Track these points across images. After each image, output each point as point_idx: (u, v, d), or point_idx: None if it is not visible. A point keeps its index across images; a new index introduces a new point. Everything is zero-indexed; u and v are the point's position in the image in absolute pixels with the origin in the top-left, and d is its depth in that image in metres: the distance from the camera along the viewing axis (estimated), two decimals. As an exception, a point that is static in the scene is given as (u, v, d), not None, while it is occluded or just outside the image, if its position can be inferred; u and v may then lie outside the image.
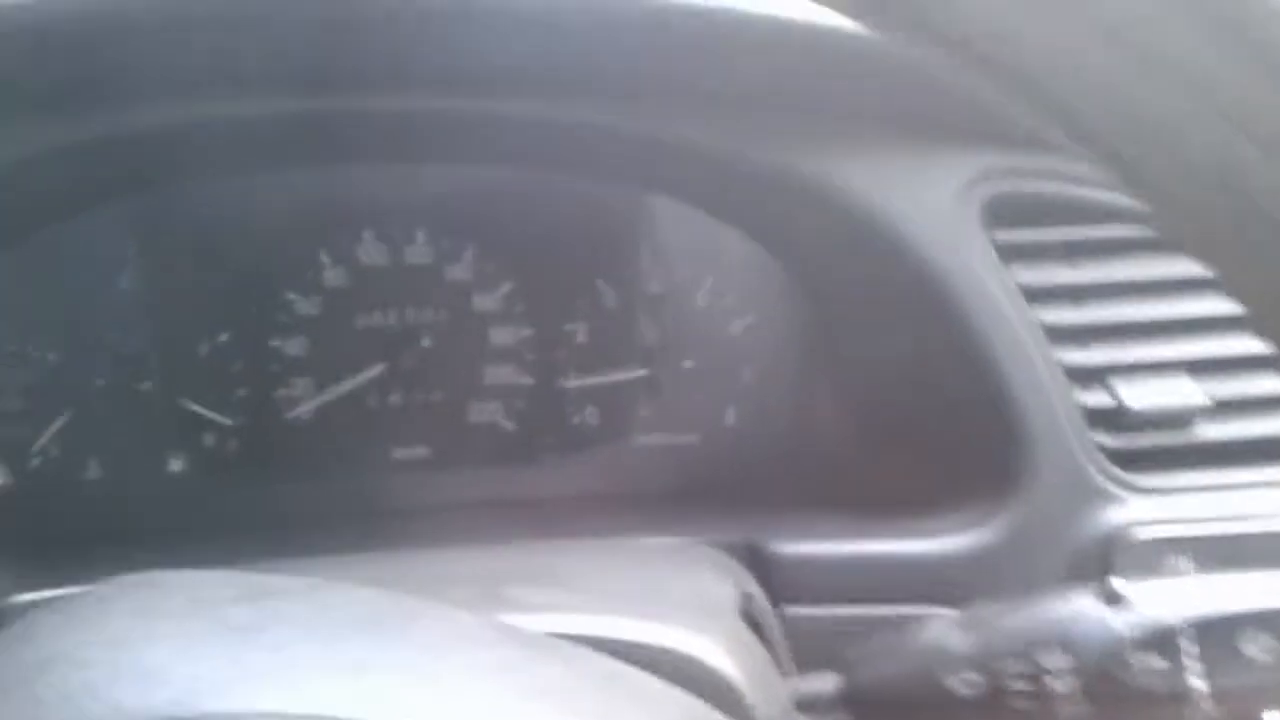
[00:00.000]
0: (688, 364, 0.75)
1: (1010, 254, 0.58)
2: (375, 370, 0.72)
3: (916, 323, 0.59)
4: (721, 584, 0.49)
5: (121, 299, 0.70)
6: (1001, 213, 0.58)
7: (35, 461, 0.70)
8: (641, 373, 0.75)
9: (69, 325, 0.69)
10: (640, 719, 0.32)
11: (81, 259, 0.69)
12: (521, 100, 0.62)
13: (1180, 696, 0.39)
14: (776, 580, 0.54)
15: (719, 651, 0.41)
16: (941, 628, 0.43)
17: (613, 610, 0.42)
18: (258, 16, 0.56)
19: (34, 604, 0.51)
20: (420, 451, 0.74)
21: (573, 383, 0.74)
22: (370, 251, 0.72)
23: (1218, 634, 0.39)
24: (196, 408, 0.71)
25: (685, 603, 0.45)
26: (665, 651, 0.41)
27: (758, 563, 0.57)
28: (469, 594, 0.46)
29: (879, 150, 0.57)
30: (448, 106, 0.64)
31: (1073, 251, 0.60)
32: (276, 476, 0.72)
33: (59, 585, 0.52)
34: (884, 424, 0.65)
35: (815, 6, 0.50)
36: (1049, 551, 0.54)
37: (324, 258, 0.72)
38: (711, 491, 0.71)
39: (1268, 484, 0.59)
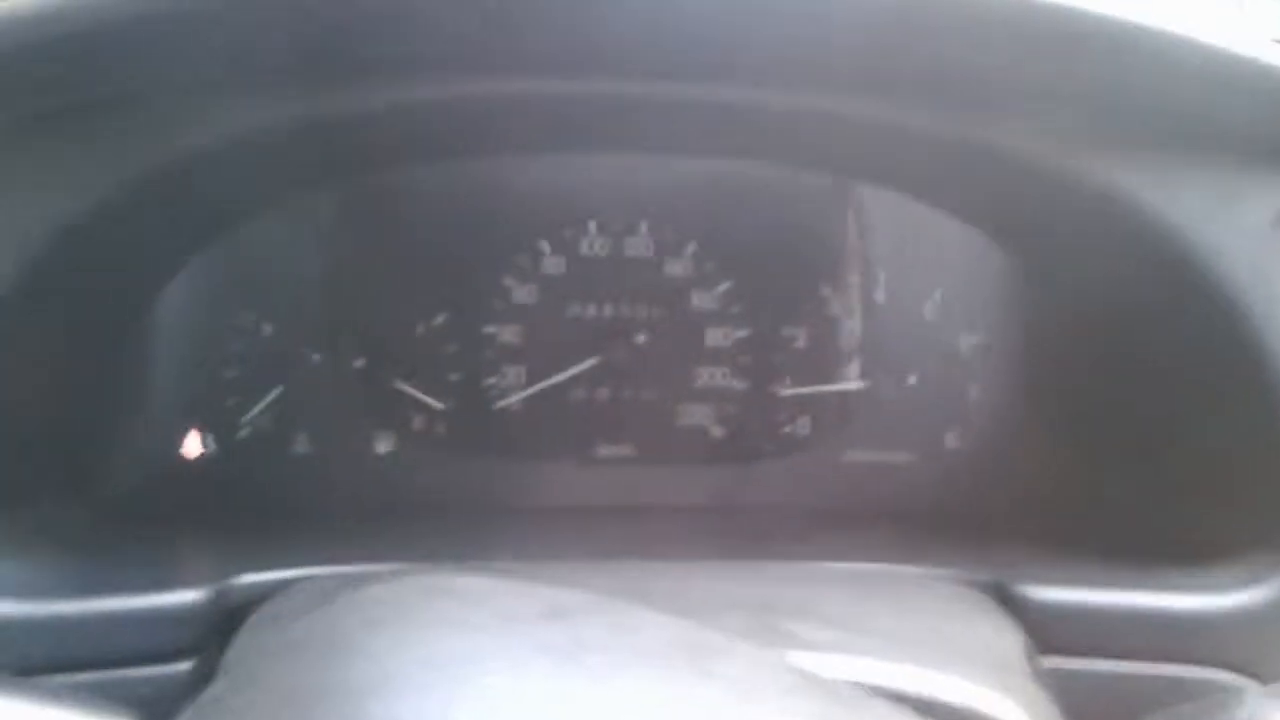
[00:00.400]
0: (909, 378, 0.71)
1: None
2: (588, 363, 0.70)
3: (1204, 352, 0.54)
4: (1003, 633, 0.46)
5: (341, 277, 0.69)
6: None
7: (244, 432, 0.69)
8: (860, 384, 0.71)
9: (288, 300, 0.69)
10: None
11: (305, 236, 0.69)
12: (766, 90, 0.59)
13: None
14: (1028, 626, 0.50)
15: (1021, 714, 0.38)
16: (1256, 704, 0.38)
17: (904, 658, 0.39)
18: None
19: (266, 585, 0.50)
20: (625, 450, 0.72)
21: (787, 390, 0.71)
22: (591, 242, 0.70)
23: None
24: (408, 389, 0.70)
25: (975, 655, 0.42)
26: (972, 713, 0.37)
27: (1007, 605, 0.53)
28: (743, 623, 0.43)
29: (1180, 164, 0.53)
30: (680, 94, 0.61)
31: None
32: (481, 463, 0.70)
33: (268, 563, 0.51)
34: (1138, 462, 0.60)
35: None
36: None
37: (544, 246, 0.70)
38: (931, 517, 0.67)
39: None
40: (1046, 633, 0.49)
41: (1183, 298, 0.55)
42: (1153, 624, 0.52)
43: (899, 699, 0.37)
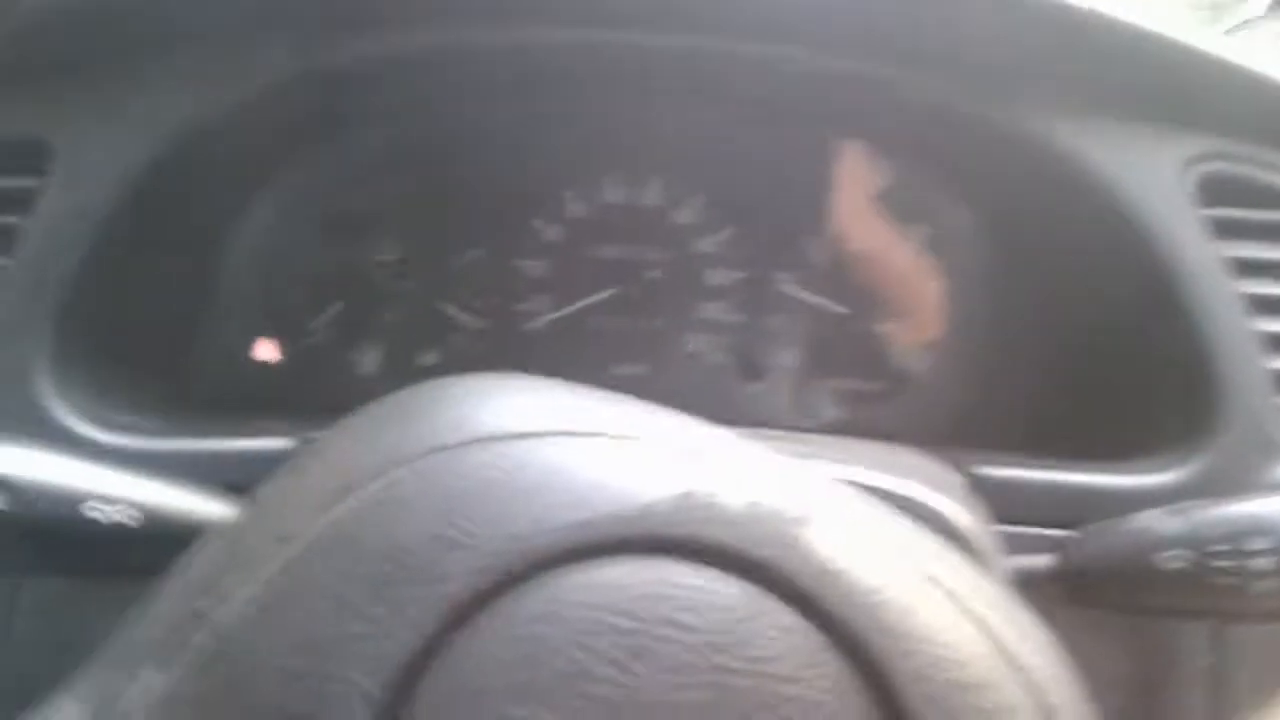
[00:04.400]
0: (884, 317, 0.82)
1: (1219, 230, 0.64)
2: (605, 294, 0.81)
3: (1127, 283, 0.65)
4: (946, 470, 0.56)
5: (389, 210, 0.81)
6: (1213, 191, 0.64)
7: (309, 341, 0.81)
8: (842, 320, 0.82)
9: (346, 230, 0.80)
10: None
11: (361, 175, 0.80)
12: (767, 45, 0.70)
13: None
14: (985, 500, 0.59)
15: (959, 511, 0.48)
16: (1153, 514, 0.49)
17: (860, 463, 0.50)
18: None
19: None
20: (638, 369, 0.82)
21: (778, 323, 0.82)
22: (610, 190, 0.81)
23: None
24: (450, 309, 0.81)
25: (919, 470, 0.52)
26: (910, 500, 0.48)
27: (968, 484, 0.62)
28: None
29: (1107, 121, 0.64)
30: (694, 47, 0.72)
31: (1276, 232, 0.65)
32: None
33: None
34: (1080, 379, 0.71)
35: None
36: (1236, 493, 0.59)
37: (569, 193, 0.81)
38: (906, 434, 0.78)
39: None
40: (995, 506, 0.58)
41: (1109, 236, 0.66)
42: (1082, 496, 0.62)
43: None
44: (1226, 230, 0.65)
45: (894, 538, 0.34)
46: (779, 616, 0.30)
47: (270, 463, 0.58)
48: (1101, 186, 0.65)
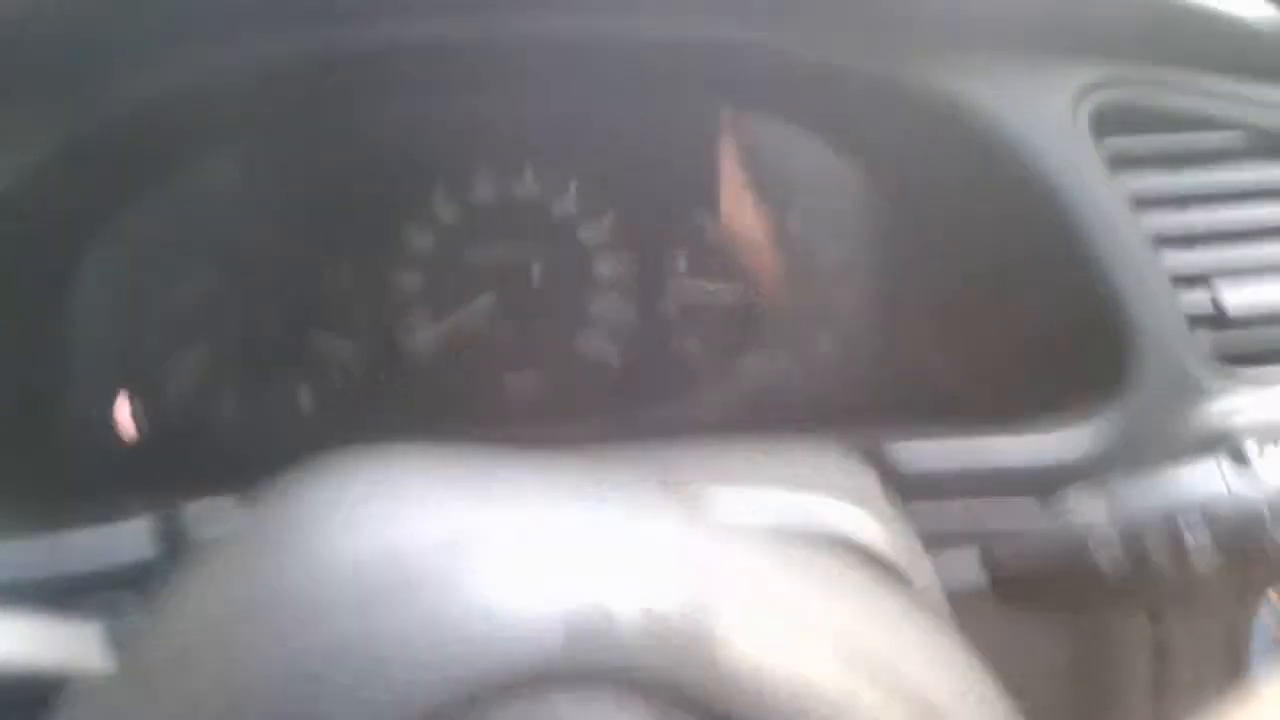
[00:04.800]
0: (782, 290, 0.77)
1: (1117, 163, 0.60)
2: (486, 299, 0.76)
3: (1025, 230, 0.61)
4: (859, 471, 0.52)
5: (249, 235, 0.74)
6: (1108, 122, 0.60)
7: (172, 396, 0.74)
8: (737, 297, 0.77)
9: (202, 262, 0.73)
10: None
11: (209, 201, 0.73)
12: (629, 19, 0.64)
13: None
14: (896, 481, 0.56)
15: (879, 534, 0.44)
16: (1079, 500, 0.45)
17: (767, 483, 0.45)
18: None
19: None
20: (530, 378, 0.77)
21: (673, 307, 0.77)
22: (481, 186, 0.75)
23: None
24: (321, 338, 0.74)
25: (834, 480, 0.48)
26: (829, 537, 0.43)
27: (875, 464, 0.59)
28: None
29: (991, 61, 0.59)
30: (556, 29, 0.66)
31: (1176, 160, 0.61)
32: (398, 406, 0.75)
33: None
34: (989, 336, 0.67)
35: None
36: (1157, 444, 0.56)
37: (437, 192, 0.75)
38: (816, 415, 0.74)
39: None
40: (910, 486, 0.55)
41: (1002, 181, 0.61)
42: (998, 463, 0.59)
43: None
44: (1127, 162, 0.61)
45: (810, 620, 0.30)
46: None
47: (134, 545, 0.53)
48: (990, 129, 0.60)
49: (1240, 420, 0.56)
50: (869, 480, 0.50)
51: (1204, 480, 0.43)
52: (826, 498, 0.45)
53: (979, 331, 0.68)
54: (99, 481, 0.67)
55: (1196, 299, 0.60)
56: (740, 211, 0.76)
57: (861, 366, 0.75)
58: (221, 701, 0.27)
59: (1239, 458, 0.42)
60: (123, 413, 0.72)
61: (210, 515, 0.54)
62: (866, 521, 0.43)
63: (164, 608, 0.33)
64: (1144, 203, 0.60)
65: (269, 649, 0.27)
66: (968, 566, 0.48)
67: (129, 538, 0.55)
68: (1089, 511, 0.44)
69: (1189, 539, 0.41)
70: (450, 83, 0.70)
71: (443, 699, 0.26)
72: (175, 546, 0.53)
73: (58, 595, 0.52)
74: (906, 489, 0.54)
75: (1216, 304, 0.60)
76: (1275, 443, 0.49)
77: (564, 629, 0.27)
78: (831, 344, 0.77)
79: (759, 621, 0.29)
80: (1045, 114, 0.60)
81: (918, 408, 0.68)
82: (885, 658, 0.30)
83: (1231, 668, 0.58)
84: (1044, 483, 0.56)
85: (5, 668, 0.40)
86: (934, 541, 0.50)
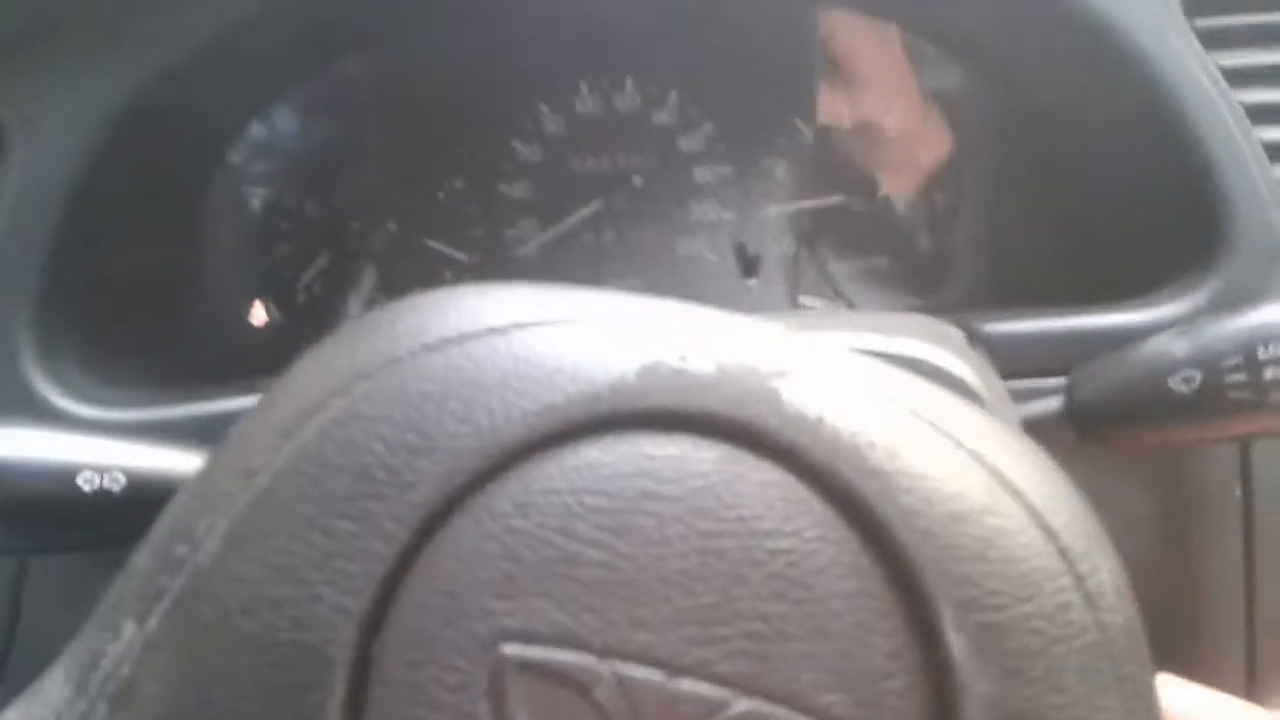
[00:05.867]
0: (880, 192, 0.79)
1: (1210, 40, 0.61)
2: (592, 208, 0.80)
3: (1121, 109, 0.62)
4: (947, 327, 0.54)
5: (367, 154, 0.79)
6: (1200, 1, 0.61)
7: (301, 298, 0.80)
8: (836, 200, 0.80)
9: (324, 178, 0.79)
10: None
11: (328, 116, 0.78)
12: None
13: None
14: (990, 355, 0.58)
15: (959, 363, 0.46)
16: (1162, 338, 0.47)
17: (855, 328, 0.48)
18: None
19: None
20: (634, 282, 0.81)
21: (771, 213, 0.80)
22: (584, 101, 0.79)
23: None
24: (437, 244, 0.79)
25: (916, 329, 0.50)
26: (904, 356, 0.46)
27: (971, 339, 0.60)
28: None
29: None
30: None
31: (1269, 36, 0.62)
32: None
33: None
34: (1085, 222, 0.68)
35: None
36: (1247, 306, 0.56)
37: (543, 108, 0.79)
38: (909, 299, 0.76)
39: None
40: (1004, 359, 0.57)
41: (1098, 65, 0.63)
42: (1095, 339, 0.60)
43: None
44: (1218, 40, 0.61)
45: (878, 384, 0.33)
46: (760, 473, 0.29)
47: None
48: (1084, 11, 0.62)
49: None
50: (955, 333, 0.53)
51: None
52: (906, 335, 0.47)
53: (1073, 217, 0.69)
54: (233, 374, 0.73)
55: (1294, 169, 0.61)
56: (837, 117, 0.79)
57: (959, 260, 0.77)
58: (340, 407, 0.31)
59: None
60: (256, 311, 0.79)
61: None
62: (944, 354, 0.46)
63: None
64: (1238, 78, 0.61)
65: (385, 373, 0.31)
66: (1048, 403, 0.50)
67: None
68: (1168, 343, 0.46)
69: (1265, 361, 0.42)
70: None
71: (538, 432, 0.30)
72: None
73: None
74: (998, 364, 0.56)
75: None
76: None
77: (643, 373, 0.31)
78: (930, 241, 0.79)
79: (828, 379, 0.31)
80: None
81: (1013, 295, 0.70)
82: (948, 422, 0.31)
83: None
84: (1135, 348, 0.58)
85: (139, 474, 0.45)
86: (1020, 397, 0.52)
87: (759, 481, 0.29)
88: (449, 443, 0.29)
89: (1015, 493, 0.31)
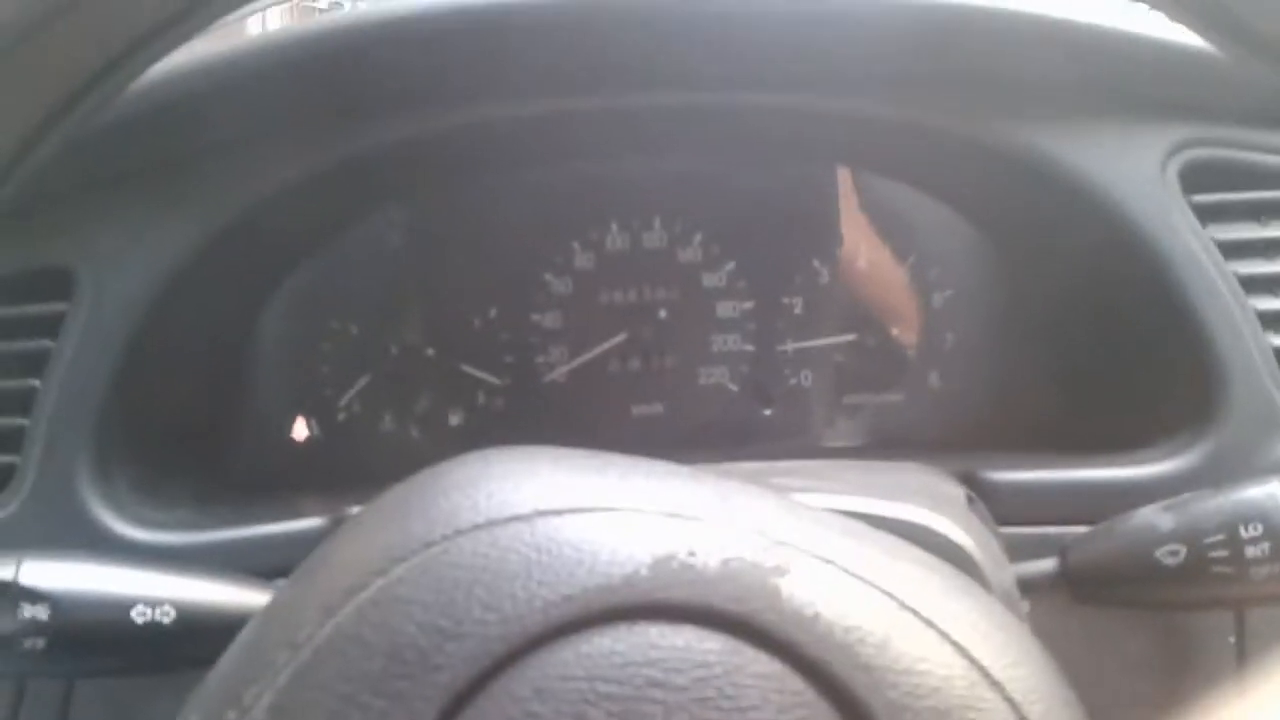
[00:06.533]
0: (893, 331, 0.83)
1: (1206, 215, 0.65)
2: (618, 339, 0.84)
3: (1121, 276, 0.66)
4: (948, 484, 0.57)
5: (408, 283, 0.84)
6: (1197, 178, 0.65)
7: (341, 416, 0.84)
8: (851, 338, 0.83)
9: (369, 305, 0.83)
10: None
11: (375, 254, 0.83)
12: (753, 93, 0.72)
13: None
14: (990, 504, 0.60)
15: (955, 528, 0.49)
16: (1149, 511, 0.50)
17: (857, 491, 0.51)
18: (524, 25, 0.67)
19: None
20: (656, 408, 0.84)
21: (789, 348, 0.84)
22: (614, 238, 0.84)
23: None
24: (471, 370, 0.84)
25: (918, 488, 0.53)
26: (906, 524, 0.49)
27: (972, 487, 0.63)
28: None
29: (1086, 123, 0.65)
30: (685, 102, 0.74)
31: (1262, 211, 0.66)
32: (536, 428, 0.83)
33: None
34: (1085, 375, 0.72)
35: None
36: (1240, 473, 0.59)
37: (575, 245, 0.84)
38: (916, 439, 0.79)
39: None
40: (1004, 508, 0.59)
41: (1097, 235, 0.67)
42: (1091, 493, 0.63)
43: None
44: (1214, 214, 0.65)
45: (872, 577, 0.36)
46: (759, 665, 0.32)
47: (307, 543, 0.61)
48: (1087, 187, 0.66)
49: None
50: (955, 491, 0.56)
51: (1269, 494, 0.47)
52: (907, 499, 0.50)
53: (1075, 369, 0.73)
54: (276, 488, 0.77)
55: (1286, 338, 0.64)
56: (853, 260, 0.83)
57: (966, 400, 0.80)
58: (378, 587, 0.34)
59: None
60: (298, 428, 0.83)
61: None
62: (942, 519, 0.49)
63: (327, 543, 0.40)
64: (1232, 251, 0.64)
65: (419, 556, 0.34)
66: (1043, 564, 0.53)
67: (302, 536, 0.64)
68: (1156, 516, 0.49)
69: (1247, 538, 0.45)
70: (589, 148, 0.79)
71: (556, 620, 0.33)
72: None
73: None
74: (997, 512, 0.59)
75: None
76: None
77: (655, 567, 0.34)
78: (939, 380, 0.82)
79: (825, 572, 0.35)
80: (1139, 173, 0.65)
81: (1015, 439, 0.73)
82: (935, 612, 0.34)
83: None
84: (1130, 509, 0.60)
85: (190, 607, 0.49)
86: (1016, 554, 0.54)
87: (758, 673, 0.32)
88: (476, 629, 0.33)
89: (995, 685, 0.33)
